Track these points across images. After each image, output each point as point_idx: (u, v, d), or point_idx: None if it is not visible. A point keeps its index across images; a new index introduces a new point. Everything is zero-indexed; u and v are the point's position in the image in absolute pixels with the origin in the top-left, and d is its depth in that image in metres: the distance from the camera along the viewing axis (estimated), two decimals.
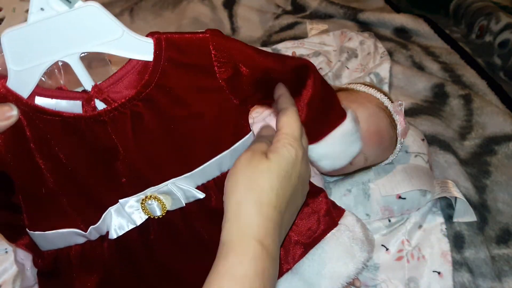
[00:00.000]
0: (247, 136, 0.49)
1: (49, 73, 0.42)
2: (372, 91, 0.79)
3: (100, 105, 0.43)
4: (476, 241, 0.73)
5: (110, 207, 0.47)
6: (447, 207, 0.78)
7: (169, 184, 0.46)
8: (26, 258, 0.57)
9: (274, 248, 0.43)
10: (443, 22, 1.39)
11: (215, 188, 0.49)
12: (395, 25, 1.33)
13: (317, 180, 0.75)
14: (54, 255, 0.51)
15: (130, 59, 0.43)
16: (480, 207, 0.80)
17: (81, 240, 0.49)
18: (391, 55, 1.17)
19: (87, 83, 0.42)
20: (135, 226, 0.49)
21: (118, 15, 1.47)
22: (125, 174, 0.46)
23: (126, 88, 0.43)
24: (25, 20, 0.37)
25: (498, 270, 0.72)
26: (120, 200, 0.47)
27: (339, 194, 0.78)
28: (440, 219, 0.77)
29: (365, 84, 0.82)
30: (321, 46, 1.22)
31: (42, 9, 0.37)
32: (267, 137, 0.49)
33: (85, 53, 0.41)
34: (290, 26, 1.36)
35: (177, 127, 0.45)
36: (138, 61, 0.43)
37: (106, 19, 0.38)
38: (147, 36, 0.41)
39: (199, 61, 0.43)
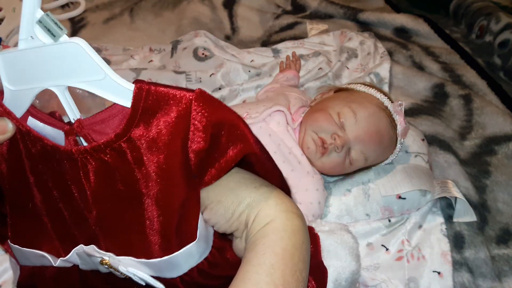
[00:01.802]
0: (192, 243, 0.42)
1: (44, 96, 0.42)
2: (372, 91, 0.79)
3: (82, 140, 0.42)
4: (476, 241, 0.73)
5: (78, 247, 0.45)
6: (447, 207, 0.78)
7: (122, 268, 0.43)
8: None
9: (305, 220, 0.44)
10: (443, 22, 1.39)
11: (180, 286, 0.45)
12: (395, 25, 1.33)
13: (317, 180, 0.75)
14: (31, 272, 0.50)
15: None
16: (480, 207, 0.80)
17: (56, 264, 0.48)
18: (391, 55, 1.17)
19: (72, 115, 0.41)
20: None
21: (118, 15, 1.47)
22: (94, 220, 0.43)
23: (107, 130, 0.41)
24: None
25: (498, 270, 0.72)
26: (85, 248, 0.45)
27: (339, 194, 0.78)
28: (440, 219, 0.77)
29: (365, 84, 0.82)
30: (321, 46, 1.22)
31: (31, 37, 0.37)
32: None
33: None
34: (290, 26, 1.36)
35: (136, 193, 0.41)
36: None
37: (89, 59, 0.37)
38: (134, 82, 0.38)
39: (176, 121, 0.38)
